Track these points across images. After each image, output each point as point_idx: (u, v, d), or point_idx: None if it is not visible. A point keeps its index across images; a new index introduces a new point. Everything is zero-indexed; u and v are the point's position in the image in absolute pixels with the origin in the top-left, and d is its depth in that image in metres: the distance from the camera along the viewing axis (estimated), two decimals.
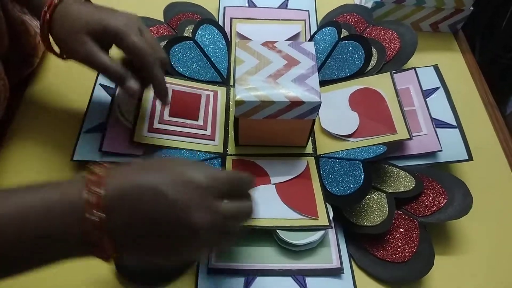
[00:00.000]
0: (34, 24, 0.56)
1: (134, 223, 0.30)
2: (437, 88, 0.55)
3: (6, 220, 0.28)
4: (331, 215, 0.45)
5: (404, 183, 0.47)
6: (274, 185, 0.47)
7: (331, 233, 0.45)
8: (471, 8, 0.62)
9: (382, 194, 0.46)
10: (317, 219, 0.44)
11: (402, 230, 0.45)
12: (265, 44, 0.48)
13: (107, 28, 0.41)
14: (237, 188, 0.34)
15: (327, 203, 0.46)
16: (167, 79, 0.53)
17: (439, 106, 0.53)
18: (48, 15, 0.42)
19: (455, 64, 0.62)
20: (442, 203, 0.46)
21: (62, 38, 0.43)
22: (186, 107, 0.52)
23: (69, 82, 0.57)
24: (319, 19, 0.65)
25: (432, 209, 0.45)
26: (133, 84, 0.42)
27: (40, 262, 0.30)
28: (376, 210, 0.45)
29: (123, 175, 0.31)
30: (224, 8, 0.64)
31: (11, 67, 0.51)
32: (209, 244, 0.33)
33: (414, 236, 0.44)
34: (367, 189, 0.44)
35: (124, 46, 0.42)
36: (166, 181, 0.30)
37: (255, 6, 0.66)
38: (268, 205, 0.45)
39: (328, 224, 0.44)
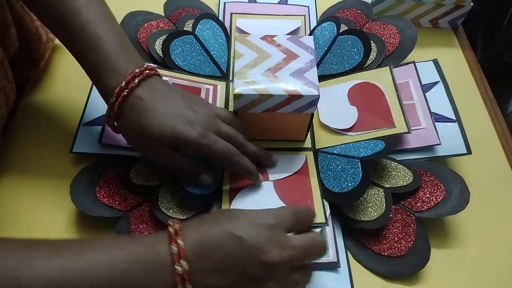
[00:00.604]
0: (47, 30, 0.56)
1: (216, 268, 0.31)
2: (437, 82, 0.55)
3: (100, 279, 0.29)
4: (328, 212, 0.45)
5: (402, 177, 0.47)
6: (272, 182, 0.47)
7: (328, 227, 0.45)
8: (471, 3, 0.62)
9: (380, 189, 0.46)
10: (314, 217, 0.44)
11: (399, 225, 0.45)
12: (264, 38, 0.48)
13: (183, 142, 0.41)
14: (301, 221, 0.36)
15: (324, 200, 0.46)
16: (166, 72, 0.54)
17: (438, 100, 0.53)
18: (115, 109, 0.40)
19: (455, 60, 0.62)
20: (439, 198, 0.46)
21: (130, 138, 0.43)
22: None
23: (69, 74, 0.57)
24: (319, 14, 0.65)
25: (430, 204, 0.46)
26: (207, 179, 0.43)
27: None
28: (373, 205, 0.45)
29: (198, 226, 0.33)
30: (224, 3, 0.65)
31: (17, 69, 0.52)
32: (287, 283, 0.34)
33: (410, 231, 0.44)
34: (364, 188, 0.44)
35: (209, 155, 0.42)
36: (239, 226, 0.33)
37: (255, 1, 0.66)
38: (265, 202, 0.45)
39: (325, 221, 0.44)
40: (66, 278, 0.28)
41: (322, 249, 0.35)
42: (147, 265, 0.30)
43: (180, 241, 0.31)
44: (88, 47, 0.41)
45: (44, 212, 0.46)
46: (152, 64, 0.44)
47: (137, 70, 0.40)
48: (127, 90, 0.40)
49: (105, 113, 0.50)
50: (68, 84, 0.56)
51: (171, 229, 0.32)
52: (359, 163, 0.45)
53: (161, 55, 0.56)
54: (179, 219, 0.35)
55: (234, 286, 0.32)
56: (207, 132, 0.41)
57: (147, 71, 0.41)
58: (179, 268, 0.30)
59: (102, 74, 0.41)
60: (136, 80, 0.40)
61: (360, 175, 0.45)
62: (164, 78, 0.46)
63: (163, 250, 0.31)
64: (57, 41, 0.59)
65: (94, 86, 0.54)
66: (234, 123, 0.45)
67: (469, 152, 0.48)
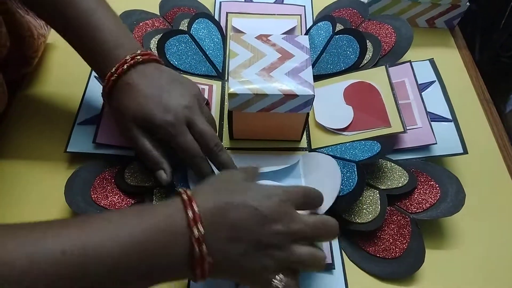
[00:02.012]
0: (38, 25, 0.55)
1: (230, 235, 0.32)
2: (433, 81, 0.55)
3: (117, 248, 0.29)
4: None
5: (397, 178, 0.47)
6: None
7: None
8: (468, 3, 0.62)
9: (375, 191, 0.46)
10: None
11: (394, 226, 0.44)
12: (259, 37, 0.48)
13: (153, 126, 0.42)
14: (311, 200, 0.37)
15: None
16: None
17: (435, 100, 0.53)
18: (106, 93, 0.44)
19: (451, 60, 0.62)
20: (435, 199, 0.46)
21: (115, 119, 0.45)
22: None
23: (64, 74, 0.57)
24: (315, 14, 0.65)
25: (425, 205, 0.45)
26: (163, 175, 0.43)
27: (143, 283, 0.31)
28: (368, 207, 0.45)
29: (210, 193, 0.34)
30: (220, 2, 0.64)
31: (11, 67, 0.51)
32: (297, 256, 0.34)
33: (405, 232, 0.44)
34: (359, 192, 0.43)
35: (173, 145, 0.42)
36: (252, 196, 0.33)
37: (251, 0, 0.66)
38: None
39: None
40: (84, 253, 0.27)
41: (333, 231, 0.36)
42: (164, 233, 0.30)
43: (195, 206, 0.31)
44: (85, 35, 0.43)
45: (39, 213, 0.45)
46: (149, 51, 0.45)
47: (128, 57, 0.42)
48: (116, 75, 0.42)
49: (99, 113, 0.51)
50: (62, 83, 0.56)
51: (184, 196, 0.32)
52: (355, 167, 0.45)
53: (156, 55, 0.56)
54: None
55: (245, 254, 0.32)
56: (178, 122, 0.41)
57: (139, 57, 0.43)
58: (195, 232, 0.30)
59: (98, 60, 0.44)
60: (125, 66, 0.42)
61: (356, 180, 0.44)
62: None
63: (177, 217, 0.31)
64: (49, 38, 0.58)
65: (88, 84, 0.54)
66: (211, 123, 0.46)
67: (465, 151, 0.48)
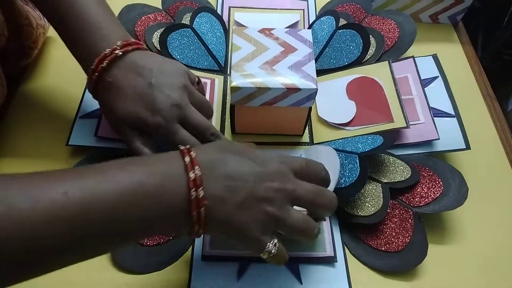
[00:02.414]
0: (37, 15, 0.55)
1: (226, 182, 0.32)
2: (436, 77, 0.54)
3: (116, 196, 0.29)
4: None
5: (400, 172, 0.47)
6: None
7: (325, 222, 0.45)
8: None
9: (377, 184, 0.46)
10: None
11: (396, 220, 0.44)
12: (262, 31, 0.48)
13: (144, 127, 0.41)
14: (311, 170, 0.36)
15: None
16: None
17: (437, 95, 0.52)
18: (90, 90, 0.43)
19: (455, 56, 0.62)
20: (437, 193, 0.45)
21: (104, 115, 0.45)
22: None
23: (64, 68, 0.57)
24: (318, 8, 0.64)
25: (427, 199, 0.45)
26: None
27: (137, 235, 0.32)
28: (370, 200, 0.45)
29: (211, 149, 0.34)
30: None
31: (10, 59, 0.51)
32: (291, 219, 0.34)
33: (408, 226, 0.44)
34: (361, 184, 0.43)
35: (168, 142, 0.42)
36: (252, 154, 0.34)
37: None
38: None
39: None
40: (84, 194, 0.28)
41: (331, 202, 0.36)
42: (163, 176, 0.31)
43: (193, 154, 0.32)
44: (70, 27, 0.42)
45: None
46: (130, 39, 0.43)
47: (107, 51, 0.41)
48: (96, 74, 0.41)
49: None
50: (63, 76, 0.56)
51: (182, 147, 0.33)
52: (357, 159, 0.45)
53: (159, 48, 0.56)
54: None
55: (241, 205, 0.32)
56: (167, 122, 0.40)
57: (118, 51, 0.41)
58: (192, 175, 0.30)
59: (81, 55, 0.43)
60: (104, 63, 0.40)
61: (358, 171, 0.44)
62: None
63: (176, 162, 0.32)
64: (50, 32, 0.58)
65: None
66: (205, 110, 0.45)
67: (468, 147, 0.48)
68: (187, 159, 0.31)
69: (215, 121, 0.51)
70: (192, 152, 0.32)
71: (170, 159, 0.32)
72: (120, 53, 0.41)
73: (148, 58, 0.42)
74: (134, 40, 0.43)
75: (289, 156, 0.37)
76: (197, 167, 0.31)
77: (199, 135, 0.42)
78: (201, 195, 0.30)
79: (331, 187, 0.41)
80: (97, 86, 0.42)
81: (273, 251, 0.34)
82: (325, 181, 0.37)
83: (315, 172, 0.37)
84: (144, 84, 0.41)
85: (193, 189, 0.30)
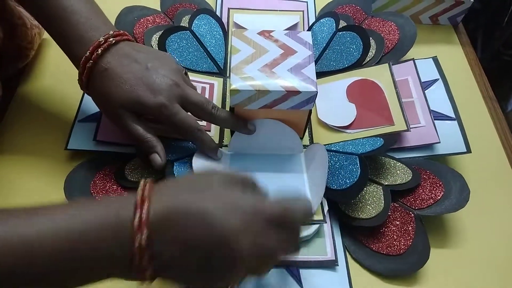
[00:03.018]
0: (30, 16, 0.55)
1: (179, 244, 0.28)
2: (436, 80, 0.54)
3: (53, 236, 0.27)
4: (326, 209, 0.44)
5: (401, 175, 0.46)
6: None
7: (326, 225, 0.45)
8: (472, 0, 0.61)
9: (378, 186, 0.46)
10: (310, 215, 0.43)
11: (398, 222, 0.44)
12: (262, 33, 0.47)
13: (145, 110, 0.41)
14: (289, 220, 0.32)
15: (322, 197, 0.45)
16: None
17: (438, 98, 0.52)
18: (83, 79, 0.42)
19: (455, 57, 0.62)
20: (438, 195, 0.45)
21: (98, 105, 0.44)
22: None
23: (63, 71, 0.56)
24: (318, 10, 0.64)
25: (429, 201, 0.45)
26: (157, 159, 0.42)
27: (77, 282, 0.29)
28: (372, 203, 0.45)
29: (170, 193, 0.30)
30: None
31: (6, 61, 0.51)
32: (250, 270, 0.31)
33: (410, 229, 0.44)
34: (363, 185, 0.43)
35: (169, 125, 0.42)
36: (214, 204, 0.29)
37: None
38: None
39: (322, 218, 0.43)
40: (23, 240, 0.26)
41: (294, 250, 0.34)
42: (108, 230, 0.28)
43: (145, 208, 0.28)
44: (57, 19, 0.42)
45: None
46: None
47: (101, 39, 0.41)
48: (91, 61, 0.40)
49: (100, 110, 0.50)
50: (60, 80, 0.55)
51: (139, 193, 0.29)
52: (358, 160, 0.45)
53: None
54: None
55: (194, 268, 0.29)
56: (169, 101, 0.41)
57: (112, 39, 0.41)
58: (137, 241, 0.27)
59: (70, 45, 0.42)
60: (99, 50, 0.40)
61: (359, 172, 0.44)
62: None
63: (126, 215, 0.28)
64: (45, 34, 0.58)
65: None
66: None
67: (468, 150, 0.48)
68: (137, 215, 0.28)
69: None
70: (145, 205, 0.28)
71: (121, 211, 0.28)
72: (114, 41, 0.41)
73: (139, 47, 0.44)
74: (123, 31, 0.43)
75: (266, 200, 0.32)
76: (145, 229, 0.27)
77: (201, 111, 0.43)
78: (145, 261, 0.28)
79: (323, 185, 0.42)
80: (91, 75, 0.41)
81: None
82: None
83: (296, 221, 0.33)
84: (141, 68, 0.41)
85: (138, 255, 0.27)
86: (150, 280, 0.29)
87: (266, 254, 0.31)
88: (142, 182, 0.30)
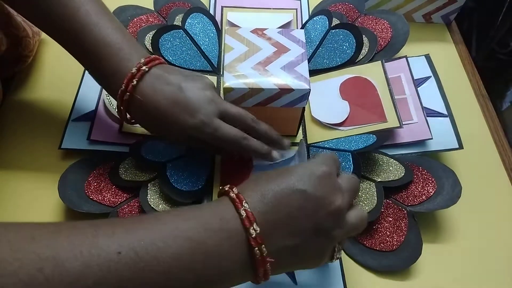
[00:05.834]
0: (30, 24, 0.55)
1: (287, 227, 0.30)
2: (429, 77, 0.54)
3: (172, 254, 0.27)
4: None
5: (393, 172, 0.47)
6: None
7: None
8: None
9: (371, 183, 0.46)
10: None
11: (390, 219, 0.44)
12: (255, 31, 0.47)
13: (190, 129, 0.40)
14: (338, 164, 0.36)
15: None
16: None
17: (430, 95, 0.53)
18: (122, 112, 0.42)
19: (448, 55, 0.62)
20: (431, 192, 0.45)
21: (145, 128, 0.45)
22: None
23: (57, 70, 0.56)
24: (311, 8, 0.64)
25: (421, 198, 0.45)
26: (272, 152, 0.42)
27: None
28: (365, 199, 0.45)
29: (255, 186, 0.32)
30: None
31: (5, 65, 0.51)
32: (351, 228, 0.33)
33: (402, 225, 0.44)
34: None
35: (214, 142, 0.41)
36: (299, 179, 0.31)
37: None
38: None
39: None
40: (137, 255, 0.26)
41: (358, 185, 0.36)
42: (218, 233, 0.29)
43: (245, 205, 0.30)
44: (90, 54, 0.41)
45: (32, 209, 0.45)
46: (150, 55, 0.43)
47: (133, 70, 0.40)
48: (128, 94, 0.40)
49: (94, 108, 0.51)
50: (56, 79, 0.55)
51: (232, 195, 0.31)
52: (351, 157, 0.45)
53: (151, 50, 0.55)
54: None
55: (306, 243, 0.31)
56: (209, 118, 0.40)
57: (145, 67, 0.40)
58: (253, 232, 0.29)
59: (105, 79, 0.42)
60: (134, 81, 0.39)
61: (352, 169, 0.44)
62: None
63: (229, 215, 0.30)
64: (43, 35, 0.58)
65: (82, 81, 0.53)
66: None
67: (460, 146, 0.48)
68: (242, 212, 0.29)
69: None
70: (243, 201, 0.30)
71: (223, 213, 0.30)
72: (147, 69, 0.40)
73: (170, 68, 0.43)
74: (154, 55, 0.43)
75: (327, 161, 0.34)
76: (255, 223, 0.29)
77: (242, 124, 0.42)
78: (264, 251, 0.29)
79: None
80: (130, 106, 0.41)
81: (338, 255, 0.34)
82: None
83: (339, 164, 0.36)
84: (174, 89, 0.40)
85: (256, 246, 0.29)
86: (270, 273, 0.30)
87: (350, 200, 0.34)
88: (225, 188, 0.32)
